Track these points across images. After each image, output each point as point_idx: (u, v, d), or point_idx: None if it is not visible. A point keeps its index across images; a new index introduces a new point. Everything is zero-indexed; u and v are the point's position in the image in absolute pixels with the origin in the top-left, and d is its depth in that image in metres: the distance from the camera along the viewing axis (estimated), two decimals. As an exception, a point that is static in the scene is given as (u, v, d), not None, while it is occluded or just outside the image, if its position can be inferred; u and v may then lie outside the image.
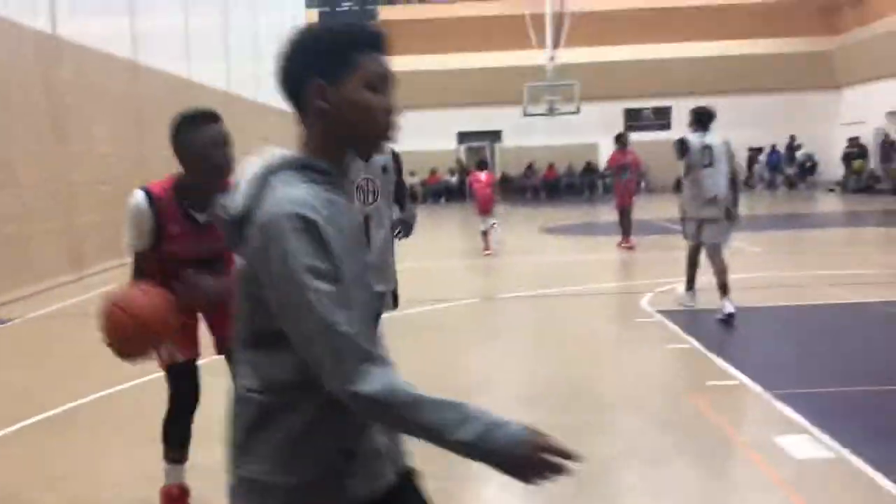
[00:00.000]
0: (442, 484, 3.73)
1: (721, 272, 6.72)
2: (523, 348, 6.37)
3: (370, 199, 4.08)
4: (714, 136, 7.11)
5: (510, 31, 28.18)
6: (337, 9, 30.23)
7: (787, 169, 29.58)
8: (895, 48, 25.35)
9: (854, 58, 28.25)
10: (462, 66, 29.53)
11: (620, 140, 13.15)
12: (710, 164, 6.98)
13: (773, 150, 29.68)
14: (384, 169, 4.12)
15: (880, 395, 4.61)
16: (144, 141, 13.50)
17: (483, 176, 13.38)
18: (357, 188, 4.00)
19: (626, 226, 12.73)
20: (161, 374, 3.17)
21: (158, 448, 3.21)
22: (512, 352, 6.27)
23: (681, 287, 7.49)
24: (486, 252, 12.91)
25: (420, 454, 1.68)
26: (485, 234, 13.16)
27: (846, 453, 3.70)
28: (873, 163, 26.39)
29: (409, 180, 29.15)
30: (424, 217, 23.30)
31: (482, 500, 3.62)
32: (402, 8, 29.95)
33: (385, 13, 29.93)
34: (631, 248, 12.50)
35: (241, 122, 18.33)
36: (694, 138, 7.06)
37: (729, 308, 6.53)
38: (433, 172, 29.61)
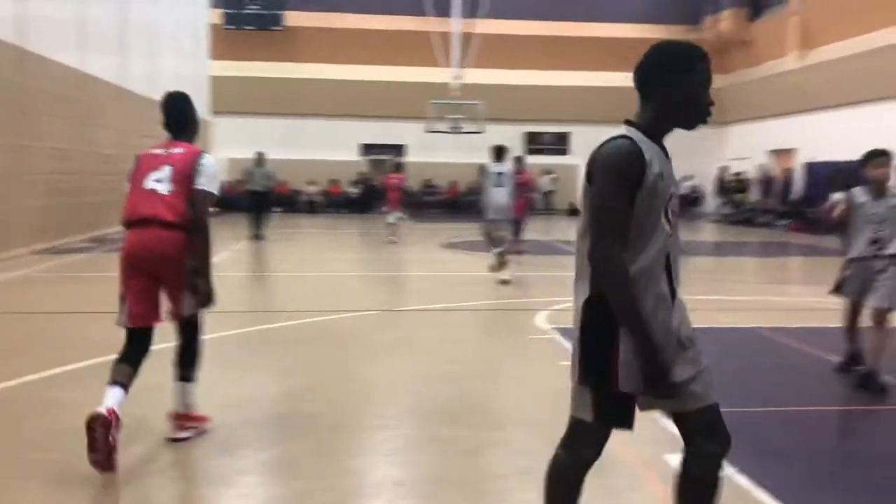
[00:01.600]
0: (324, 497, 3.58)
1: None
2: (419, 362, 6.28)
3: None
4: (504, 166, 10.70)
5: (418, 47, 28.30)
6: (243, 10, 29.55)
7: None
8: (777, 90, 26.97)
9: (741, 97, 29.87)
10: (369, 78, 29.37)
11: (517, 161, 15.06)
12: (500, 185, 10.32)
13: (663, 180, 30.82)
14: None
15: (762, 415, 4.76)
16: (27, 131, 12.72)
17: (396, 178, 17.14)
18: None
19: (517, 229, 14.08)
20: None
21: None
22: (407, 365, 6.17)
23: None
24: (391, 240, 16.18)
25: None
26: (391, 225, 16.40)
27: (732, 472, 3.78)
28: (754, 196, 27.90)
29: (307, 190, 28.76)
30: (325, 228, 23.02)
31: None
32: (310, 15, 29.56)
33: (292, 18, 29.48)
34: (520, 252, 13.57)
35: (133, 118, 17.60)
36: (491, 166, 10.50)
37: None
38: (334, 183, 29.24)
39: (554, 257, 14.62)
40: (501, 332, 7.66)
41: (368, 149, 30.36)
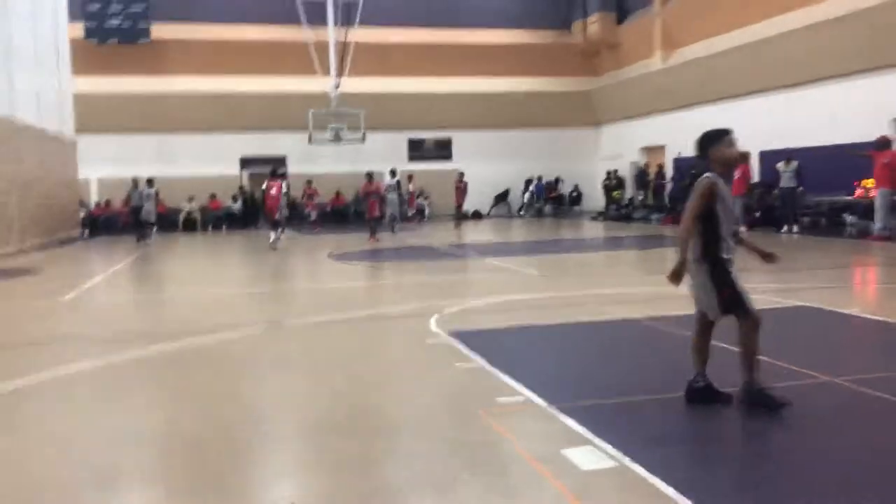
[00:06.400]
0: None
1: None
2: (308, 375, 6.10)
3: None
4: (393, 180, 17.17)
5: (295, 56, 27.83)
6: (104, 25, 28.20)
7: (541, 203, 31.31)
8: (645, 90, 28.19)
9: (612, 98, 31.05)
10: (246, 90, 28.66)
11: (369, 175, 20.75)
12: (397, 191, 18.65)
13: (539, 181, 31.56)
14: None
15: (654, 403, 4.87)
16: None
17: (275, 186, 18.76)
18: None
19: (373, 227, 20.21)
20: None
21: None
22: (297, 378, 5.98)
23: (471, 303, 7.59)
24: (273, 247, 17.85)
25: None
26: (276, 227, 18.39)
27: (627, 461, 3.83)
28: (630, 193, 29.03)
29: (186, 206, 27.78)
30: (206, 244, 22.24)
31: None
32: (178, 27, 28.53)
33: (159, 31, 28.38)
34: (377, 241, 18.96)
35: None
36: (388, 179, 16.55)
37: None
38: (213, 198, 28.34)
39: (443, 262, 14.66)
40: (394, 339, 7.56)
41: (247, 162, 29.63)
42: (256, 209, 28.88)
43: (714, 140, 4.80)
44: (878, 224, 15.67)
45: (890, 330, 7.13)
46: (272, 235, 18.22)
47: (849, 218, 18.41)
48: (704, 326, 4.81)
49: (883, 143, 15.85)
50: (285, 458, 4.27)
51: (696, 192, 4.64)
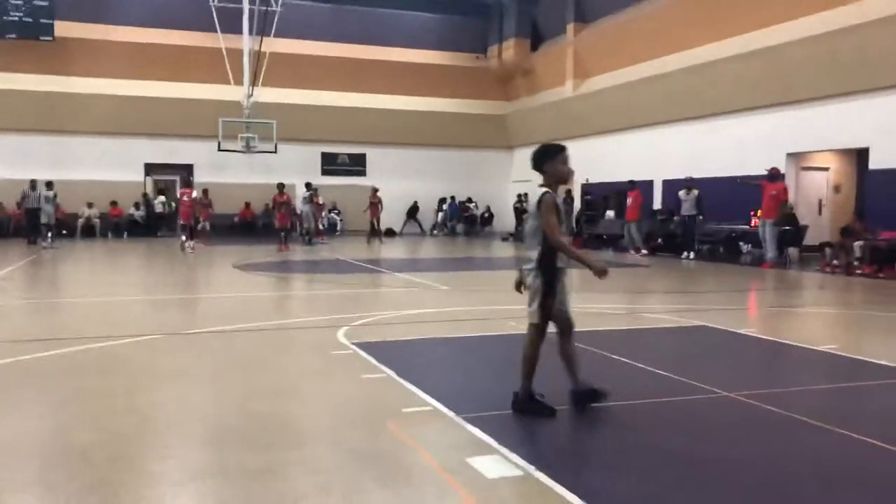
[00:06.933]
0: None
1: None
2: (209, 385, 5.87)
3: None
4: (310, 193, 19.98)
5: (207, 63, 27.13)
6: (3, 18, 26.81)
7: (454, 222, 31.71)
8: (556, 117, 28.87)
9: (524, 122, 31.65)
10: (154, 95, 27.76)
11: (280, 187, 22.09)
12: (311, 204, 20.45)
13: (452, 201, 31.89)
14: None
15: (559, 414, 4.91)
16: None
17: (186, 194, 20.52)
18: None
19: (283, 237, 21.11)
20: None
21: None
22: (196, 387, 5.75)
23: (380, 315, 7.50)
24: (190, 249, 19.10)
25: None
26: (189, 232, 19.59)
27: (532, 470, 3.84)
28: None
29: (86, 211, 26.63)
30: (105, 251, 21.35)
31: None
32: (85, 26, 27.43)
33: (64, 29, 27.20)
34: (288, 250, 19.89)
35: None
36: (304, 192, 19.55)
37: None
38: (114, 205, 27.24)
39: (352, 275, 14.51)
40: (300, 350, 7.38)
41: (151, 168, 28.67)
42: (160, 217, 27.96)
43: (551, 155, 4.91)
44: (769, 253, 16.48)
45: (779, 348, 7.46)
46: (184, 241, 20.19)
47: (745, 246, 19.29)
48: (542, 336, 5.02)
49: (774, 175, 16.71)
50: (180, 468, 4.08)
51: (545, 207, 4.77)
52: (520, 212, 29.50)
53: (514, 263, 18.77)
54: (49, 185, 22.19)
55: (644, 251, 20.29)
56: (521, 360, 4.99)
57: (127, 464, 4.05)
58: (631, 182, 21.14)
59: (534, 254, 4.90)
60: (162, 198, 28.11)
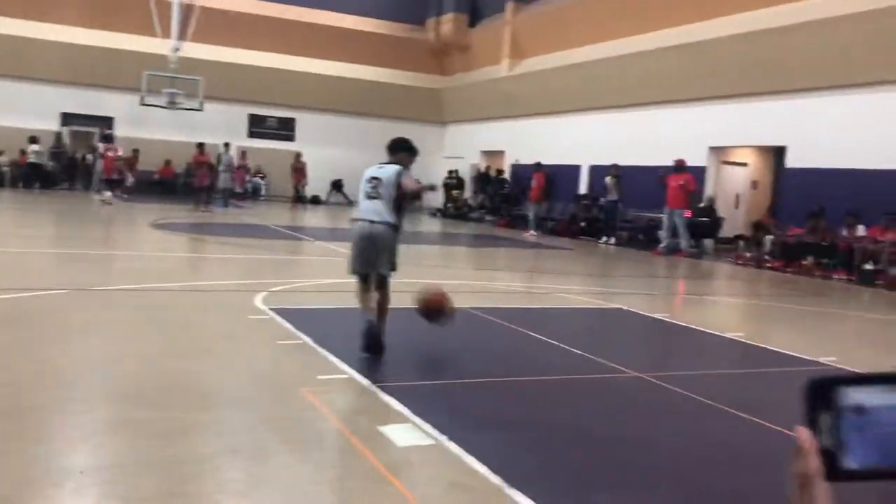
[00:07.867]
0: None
1: None
2: (116, 342, 5.68)
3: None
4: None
5: (133, 12, 26.00)
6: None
7: None
8: (490, 95, 28.91)
9: (458, 99, 31.59)
10: (71, 41, 26.46)
11: (200, 146, 22.33)
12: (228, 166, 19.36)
13: (384, 173, 31.63)
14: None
15: (472, 387, 4.96)
16: None
17: (111, 150, 20.25)
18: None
19: (202, 198, 20.63)
20: None
21: None
22: (102, 344, 5.56)
23: (300, 283, 7.40)
24: (108, 202, 19.21)
25: None
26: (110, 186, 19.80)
27: (444, 440, 3.86)
28: (468, 193, 29.66)
29: (-6, 159, 25.24)
30: (14, 201, 20.38)
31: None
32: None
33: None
34: (209, 212, 19.51)
35: None
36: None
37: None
38: (23, 153, 25.94)
39: (273, 241, 14.27)
40: (216, 312, 7.21)
41: (69, 118, 27.41)
42: (75, 168, 26.84)
43: (412, 151, 6.02)
44: (682, 241, 16.99)
45: (689, 333, 7.71)
46: (106, 194, 20.19)
47: (662, 234, 19.82)
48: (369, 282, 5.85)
49: (679, 167, 17.23)
50: (82, 424, 3.94)
51: (406, 176, 5.70)
52: (449, 188, 29.53)
53: (439, 239, 18.80)
54: None
55: (533, 233, 20.43)
56: (381, 306, 5.72)
57: (25, 416, 3.88)
58: (538, 164, 21.43)
59: (393, 216, 5.77)
60: (35, 147, 25.75)
